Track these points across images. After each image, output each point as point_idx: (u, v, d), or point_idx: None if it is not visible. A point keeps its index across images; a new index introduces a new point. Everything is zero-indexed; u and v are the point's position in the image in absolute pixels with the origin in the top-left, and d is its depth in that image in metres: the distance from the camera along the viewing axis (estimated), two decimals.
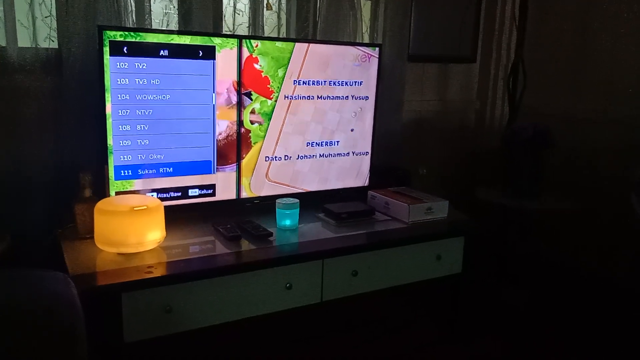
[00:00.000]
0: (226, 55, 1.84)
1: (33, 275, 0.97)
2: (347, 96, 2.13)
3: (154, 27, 2.00)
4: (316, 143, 2.10)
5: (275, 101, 1.97)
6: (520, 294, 2.53)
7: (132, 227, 1.55)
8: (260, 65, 1.92)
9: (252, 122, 1.94)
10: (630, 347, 2.12)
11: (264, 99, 1.95)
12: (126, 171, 1.75)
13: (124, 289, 1.41)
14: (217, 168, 1.90)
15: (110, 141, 1.71)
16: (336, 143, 2.15)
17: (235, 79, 1.88)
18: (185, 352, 1.94)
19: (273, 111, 1.98)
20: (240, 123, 1.92)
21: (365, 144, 2.22)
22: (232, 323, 1.60)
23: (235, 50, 1.86)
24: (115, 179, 1.74)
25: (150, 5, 1.95)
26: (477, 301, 2.16)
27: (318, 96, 2.06)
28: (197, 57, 1.79)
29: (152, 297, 1.45)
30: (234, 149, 1.93)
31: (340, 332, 2.15)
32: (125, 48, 1.68)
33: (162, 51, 1.74)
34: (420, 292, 2.24)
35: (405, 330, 2.19)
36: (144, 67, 1.71)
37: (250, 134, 1.95)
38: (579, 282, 2.66)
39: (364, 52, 2.13)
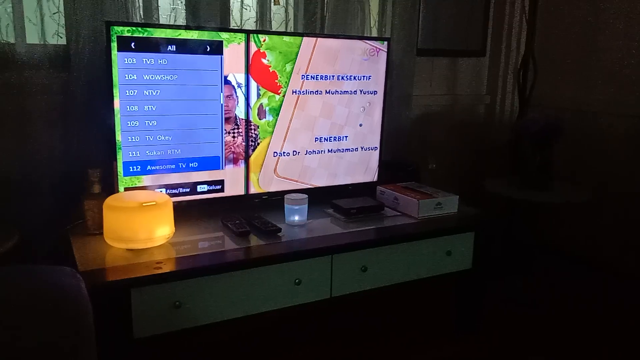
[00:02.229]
0: (234, 50, 1.83)
1: (41, 270, 0.96)
2: (356, 91, 2.11)
3: (161, 22, 1.99)
4: (324, 138, 2.09)
5: (283, 96, 1.96)
6: (529, 287, 2.51)
7: (141, 223, 1.55)
8: (268, 60, 1.91)
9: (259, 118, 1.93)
10: None
11: (272, 94, 1.94)
12: (135, 167, 1.75)
13: (134, 285, 1.41)
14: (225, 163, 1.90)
15: (118, 137, 1.71)
16: (345, 138, 2.14)
17: (243, 74, 1.87)
18: (195, 347, 1.94)
19: (281, 106, 1.97)
20: (248, 118, 1.91)
21: (374, 138, 2.21)
22: (241, 319, 1.60)
23: (242, 45, 1.85)
24: (124, 175, 1.74)
25: (157, 1, 1.94)
26: (486, 295, 2.14)
27: (326, 91, 2.05)
28: (204, 52, 1.79)
29: (162, 292, 1.45)
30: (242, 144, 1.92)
31: (348, 327, 2.15)
32: (133, 44, 1.67)
33: (169, 46, 1.73)
34: (430, 288, 2.22)
35: (414, 326, 2.18)
36: (151, 63, 1.71)
37: (258, 130, 1.94)
38: (589, 274, 2.64)
39: (373, 46, 2.12)
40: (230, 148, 1.90)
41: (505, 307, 2.31)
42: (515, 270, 2.63)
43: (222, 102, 1.85)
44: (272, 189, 2.02)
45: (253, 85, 1.89)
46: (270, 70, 1.92)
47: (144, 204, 1.56)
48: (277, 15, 2.30)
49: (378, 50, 2.13)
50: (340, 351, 1.99)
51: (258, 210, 1.93)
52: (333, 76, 2.05)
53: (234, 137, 1.90)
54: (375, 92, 2.17)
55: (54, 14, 1.89)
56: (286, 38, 1.93)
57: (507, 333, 2.13)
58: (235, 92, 1.87)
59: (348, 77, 2.08)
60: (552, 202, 2.55)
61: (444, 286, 2.14)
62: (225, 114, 1.86)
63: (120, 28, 1.65)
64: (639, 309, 2.34)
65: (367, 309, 2.27)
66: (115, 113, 1.69)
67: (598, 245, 2.66)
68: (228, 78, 1.84)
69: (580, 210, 2.67)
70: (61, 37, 1.91)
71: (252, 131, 1.93)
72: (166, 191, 1.81)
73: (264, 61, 1.90)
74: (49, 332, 0.91)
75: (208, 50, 1.79)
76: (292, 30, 2.35)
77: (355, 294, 1.78)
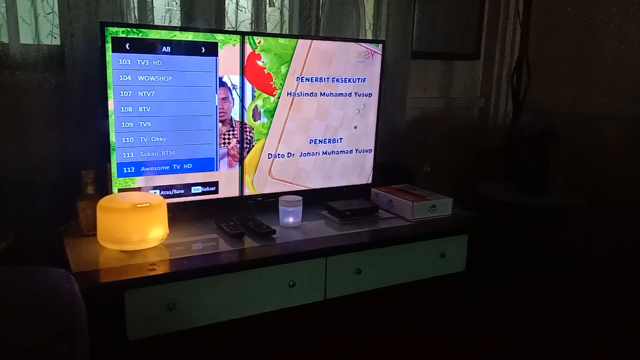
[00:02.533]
0: (229, 52, 1.83)
1: (34, 271, 0.96)
2: (350, 93, 2.12)
3: (156, 23, 1.99)
4: (319, 140, 2.09)
5: (278, 98, 1.96)
6: (525, 290, 2.52)
7: (135, 225, 1.54)
8: (263, 62, 1.91)
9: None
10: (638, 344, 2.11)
11: (266, 96, 1.94)
12: (129, 168, 1.75)
13: (127, 287, 1.40)
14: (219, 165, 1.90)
15: (112, 138, 1.70)
16: (339, 140, 2.14)
17: (238, 76, 1.87)
18: (189, 349, 1.94)
19: (276, 108, 1.97)
20: (242, 120, 1.91)
21: (369, 141, 2.21)
22: (235, 321, 1.59)
23: (237, 46, 1.85)
24: (118, 176, 1.74)
25: (152, 2, 1.94)
26: (481, 298, 2.14)
27: (321, 93, 2.05)
28: (199, 54, 1.79)
29: (155, 294, 1.45)
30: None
31: (342, 329, 2.15)
32: (127, 44, 1.67)
33: (164, 48, 1.73)
34: (424, 290, 2.23)
35: (408, 328, 2.18)
36: (146, 64, 1.71)
37: (253, 131, 1.94)
38: (586, 277, 2.65)
39: (367, 48, 2.12)
40: (225, 149, 1.90)
41: (503, 309, 2.32)
42: (512, 273, 2.64)
43: (217, 104, 1.85)
44: (267, 190, 2.02)
45: (248, 87, 1.89)
46: (265, 72, 1.92)
47: (137, 205, 1.55)
48: (272, 17, 2.30)
49: (373, 52, 2.14)
50: (334, 353, 1.99)
51: (252, 212, 1.93)
52: (328, 78, 2.05)
53: (228, 138, 1.90)
54: (370, 95, 2.17)
55: (48, 14, 1.88)
56: (281, 40, 1.93)
57: (505, 335, 2.14)
58: (231, 94, 1.87)
59: (343, 80, 2.09)
60: (547, 206, 2.56)
61: (438, 288, 2.15)
62: (220, 116, 1.86)
63: (115, 29, 1.65)
64: (636, 311, 2.35)
65: (362, 311, 2.27)
66: (109, 114, 1.68)
67: (595, 249, 2.67)
68: (223, 80, 1.84)
69: (576, 214, 2.68)
70: (55, 38, 1.90)
71: (247, 133, 1.93)
72: (160, 192, 1.81)
73: (259, 63, 1.90)
74: (43, 333, 0.90)
75: (203, 51, 1.79)
76: (287, 32, 2.35)
77: (349, 296, 1.78)
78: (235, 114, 1.89)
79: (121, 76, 1.68)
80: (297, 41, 1.96)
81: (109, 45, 1.64)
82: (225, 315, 1.57)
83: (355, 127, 2.16)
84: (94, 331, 1.01)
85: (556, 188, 2.56)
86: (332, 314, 2.20)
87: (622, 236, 2.56)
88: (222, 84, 1.85)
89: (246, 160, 1.95)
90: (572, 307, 2.40)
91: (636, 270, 2.51)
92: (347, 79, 2.10)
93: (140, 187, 1.77)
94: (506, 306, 2.36)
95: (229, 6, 2.15)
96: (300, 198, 1.86)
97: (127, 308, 1.41)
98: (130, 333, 1.43)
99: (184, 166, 1.84)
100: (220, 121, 1.87)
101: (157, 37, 1.71)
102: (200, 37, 1.78)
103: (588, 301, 2.45)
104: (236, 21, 2.20)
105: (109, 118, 1.68)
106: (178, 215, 1.82)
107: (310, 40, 1.99)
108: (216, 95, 1.84)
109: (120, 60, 1.67)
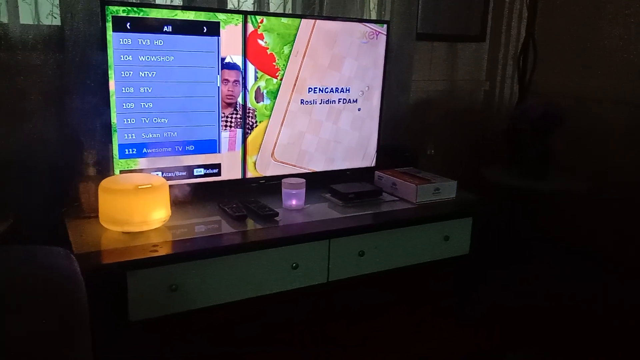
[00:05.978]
0: (231, 32, 1.81)
1: (33, 250, 0.95)
2: (354, 74, 2.09)
3: (157, 2, 1.96)
4: (322, 122, 2.07)
5: (281, 79, 1.94)
6: (526, 276, 2.51)
7: (137, 206, 1.53)
8: (266, 42, 1.88)
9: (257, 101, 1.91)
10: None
11: (269, 77, 1.92)
12: (130, 150, 1.73)
13: (129, 268, 1.40)
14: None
15: (114, 119, 1.68)
16: (343, 122, 2.11)
17: (240, 56, 1.84)
18: (191, 330, 1.94)
19: (279, 90, 1.94)
20: (245, 102, 1.89)
21: (373, 123, 2.19)
22: (238, 302, 1.59)
23: (240, 26, 1.82)
24: (120, 158, 1.72)
25: None
26: (483, 282, 2.14)
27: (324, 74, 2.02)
28: (201, 34, 1.76)
29: (158, 275, 1.44)
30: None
31: (344, 311, 2.15)
32: (128, 24, 1.65)
33: (165, 27, 1.70)
34: (428, 272, 2.22)
35: (410, 310, 2.18)
36: (147, 44, 1.68)
37: (255, 113, 1.92)
38: (587, 263, 2.64)
39: (372, 29, 2.09)
40: (228, 132, 1.88)
41: (501, 297, 2.31)
42: (512, 260, 2.63)
43: (218, 85, 1.83)
44: (270, 173, 2.00)
45: (250, 67, 1.87)
46: (268, 53, 1.90)
47: (139, 187, 1.54)
48: None
49: (377, 33, 2.11)
50: (337, 334, 2.00)
51: (255, 194, 1.91)
52: (331, 59, 2.02)
53: (232, 121, 1.88)
54: (374, 76, 2.14)
55: None
56: (284, 20, 1.91)
57: (502, 321, 2.13)
58: (241, 79, 1.84)
59: (347, 61, 2.05)
60: (550, 190, 2.54)
61: (442, 271, 2.14)
62: (228, 99, 1.84)
63: (116, 8, 1.62)
64: (636, 299, 2.34)
65: (365, 293, 2.26)
66: (110, 95, 1.66)
67: (597, 234, 2.66)
68: (236, 63, 1.81)
69: (578, 200, 2.66)
70: (55, 18, 1.88)
71: (250, 115, 1.91)
72: (162, 175, 1.79)
73: (262, 43, 1.88)
74: (43, 313, 0.89)
75: (205, 31, 1.76)
76: (290, 11, 2.32)
77: (352, 278, 1.77)
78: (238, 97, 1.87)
79: (122, 56, 1.66)
80: (301, 21, 1.93)
81: (109, 25, 1.62)
82: (228, 297, 1.57)
83: (359, 110, 2.14)
84: (96, 312, 1.01)
85: (561, 173, 2.54)
86: (335, 295, 2.19)
87: (625, 222, 2.54)
88: (234, 66, 1.82)
89: (249, 143, 1.93)
90: (574, 294, 2.38)
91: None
92: (351, 60, 2.06)
93: (142, 169, 1.76)
94: (508, 294, 2.34)
95: None
96: (303, 180, 1.85)
97: (130, 289, 1.41)
98: (132, 314, 1.43)
99: (186, 148, 1.82)
100: (227, 104, 1.84)
101: (159, 16, 1.69)
102: (202, 16, 1.75)
103: (590, 289, 2.43)
104: (239, 0, 2.17)
105: (110, 99, 1.66)
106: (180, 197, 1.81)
107: (313, 20, 1.96)
108: (218, 75, 1.82)
109: (121, 40, 1.64)
